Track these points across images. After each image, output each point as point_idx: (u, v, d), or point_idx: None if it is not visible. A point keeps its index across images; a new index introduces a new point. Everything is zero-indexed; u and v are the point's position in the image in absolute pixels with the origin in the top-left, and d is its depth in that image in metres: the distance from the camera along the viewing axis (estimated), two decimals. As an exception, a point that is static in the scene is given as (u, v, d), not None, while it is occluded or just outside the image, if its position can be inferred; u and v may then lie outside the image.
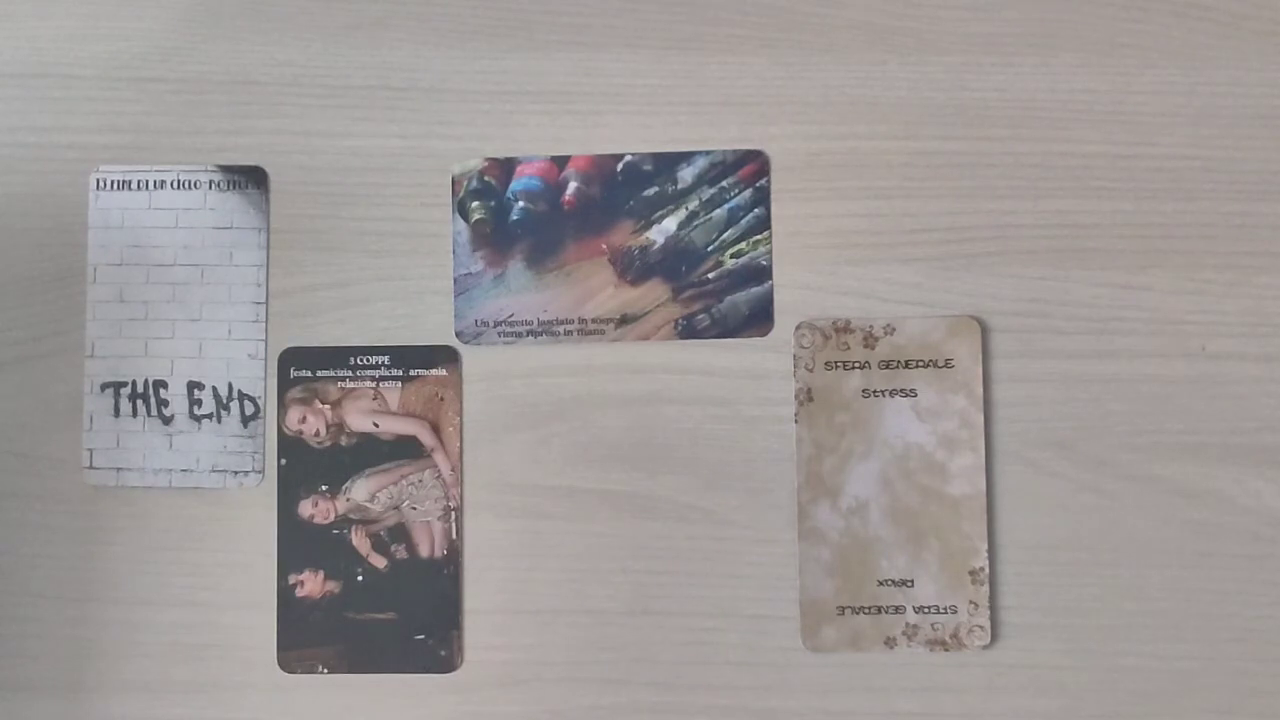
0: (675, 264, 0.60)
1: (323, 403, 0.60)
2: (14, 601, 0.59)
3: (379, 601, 0.59)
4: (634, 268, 0.60)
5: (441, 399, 0.60)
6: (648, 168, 0.60)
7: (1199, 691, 0.57)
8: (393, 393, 0.60)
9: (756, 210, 0.60)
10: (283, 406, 0.60)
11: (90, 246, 0.61)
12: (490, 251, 0.60)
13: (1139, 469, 0.58)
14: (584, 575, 0.59)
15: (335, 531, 0.59)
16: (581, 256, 0.60)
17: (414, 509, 0.59)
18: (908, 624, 0.58)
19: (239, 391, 0.60)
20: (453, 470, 0.59)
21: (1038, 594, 0.58)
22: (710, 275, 0.60)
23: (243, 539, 0.59)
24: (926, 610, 0.58)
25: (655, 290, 0.60)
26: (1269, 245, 0.59)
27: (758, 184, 0.60)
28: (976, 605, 0.58)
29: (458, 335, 0.60)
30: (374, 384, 0.60)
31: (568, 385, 0.60)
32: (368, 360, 0.60)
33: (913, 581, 0.58)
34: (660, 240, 0.60)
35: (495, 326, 0.60)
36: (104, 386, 0.60)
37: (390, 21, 0.61)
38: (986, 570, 0.58)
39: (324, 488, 0.60)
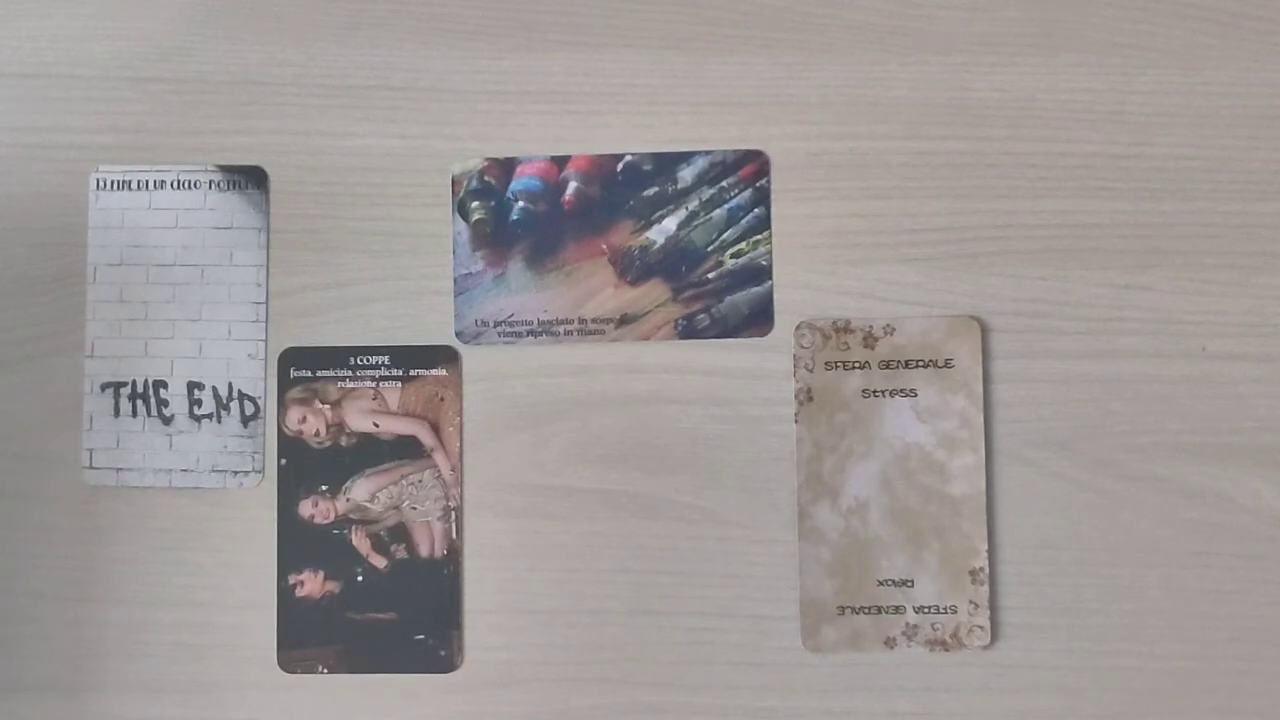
0: (675, 264, 0.60)
1: (323, 403, 0.60)
2: (14, 601, 0.59)
3: (379, 601, 0.59)
4: (634, 268, 0.60)
5: (441, 399, 0.60)
6: (648, 168, 0.60)
7: (1199, 691, 0.57)
8: (393, 393, 0.60)
9: (756, 210, 0.60)
10: (283, 406, 0.60)
11: (90, 246, 0.61)
12: (490, 251, 0.60)
13: (1139, 469, 0.58)
14: (584, 575, 0.59)
15: (335, 531, 0.59)
16: (581, 256, 0.60)
17: (414, 509, 0.59)
18: (908, 624, 0.58)
19: (239, 391, 0.60)
20: (453, 470, 0.59)
21: (1038, 594, 0.58)
22: (710, 275, 0.60)
23: (243, 539, 0.59)
24: (926, 610, 0.58)
25: (655, 290, 0.60)
26: (1269, 245, 0.59)
27: (758, 184, 0.60)
28: (976, 605, 0.58)
29: (458, 335, 0.60)
30: (374, 384, 0.60)
31: (568, 385, 0.60)
32: (368, 360, 0.60)
33: (913, 581, 0.58)
34: (660, 240, 0.60)
35: (495, 326, 0.60)
36: (104, 386, 0.60)
37: (390, 21, 0.61)
38: (986, 570, 0.58)
39: (324, 488, 0.60)
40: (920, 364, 0.59)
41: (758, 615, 0.58)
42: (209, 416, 0.60)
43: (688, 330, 0.60)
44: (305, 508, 0.59)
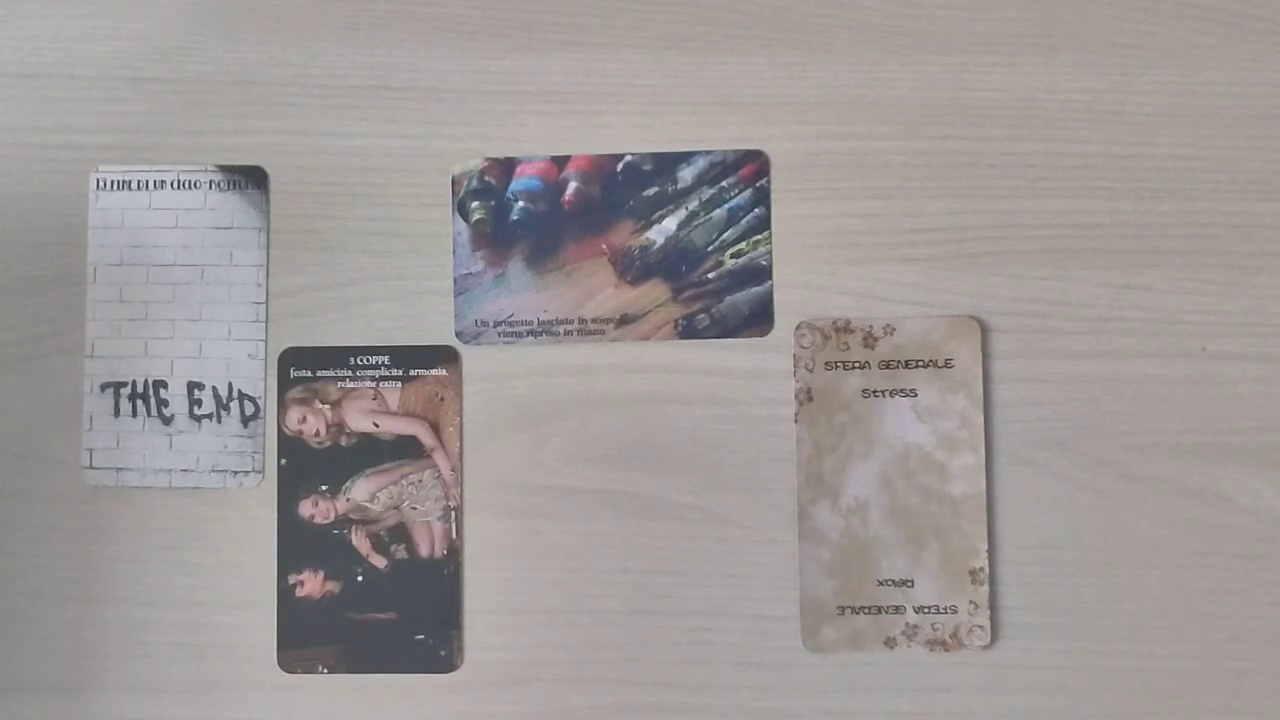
0: (675, 264, 0.60)
1: (323, 403, 0.60)
2: (14, 601, 0.59)
3: (379, 601, 0.59)
4: (634, 268, 0.60)
5: (441, 399, 0.60)
6: (648, 168, 0.60)
7: (1199, 691, 0.57)
8: (393, 393, 0.60)
9: (756, 210, 0.60)
10: (283, 406, 0.60)
11: (90, 246, 0.61)
12: (490, 251, 0.60)
13: (1139, 469, 0.58)
14: (584, 575, 0.59)
15: (335, 531, 0.59)
16: (581, 256, 0.60)
17: (414, 509, 0.59)
18: (908, 624, 0.58)
19: (239, 391, 0.60)
20: (453, 470, 0.59)
21: (1038, 594, 0.58)
22: (710, 275, 0.60)
23: (243, 539, 0.59)
24: (926, 610, 0.58)
25: (655, 290, 0.60)
26: (1269, 245, 0.59)
27: (758, 184, 0.60)
28: (976, 605, 0.58)
29: (458, 335, 0.60)
30: (374, 384, 0.60)
31: (568, 385, 0.60)
32: (368, 360, 0.60)
33: (913, 581, 0.58)
34: (660, 240, 0.60)
35: (495, 326, 0.60)
36: (104, 386, 0.60)
37: (390, 21, 0.61)
38: (986, 570, 0.58)
39: (324, 488, 0.60)
40: (920, 364, 0.59)
41: (758, 615, 0.58)
42: (209, 416, 0.60)
43: (688, 330, 0.60)
44: (305, 508, 0.59)
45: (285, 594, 0.59)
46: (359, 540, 0.59)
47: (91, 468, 0.60)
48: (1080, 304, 0.59)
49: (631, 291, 0.60)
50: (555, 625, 0.59)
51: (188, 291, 0.60)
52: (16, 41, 0.62)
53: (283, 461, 0.60)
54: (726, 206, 0.60)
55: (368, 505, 0.59)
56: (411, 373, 0.60)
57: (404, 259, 0.60)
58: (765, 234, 0.60)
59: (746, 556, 0.59)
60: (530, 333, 0.60)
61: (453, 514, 0.59)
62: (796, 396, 0.59)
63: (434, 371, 0.60)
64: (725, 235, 0.60)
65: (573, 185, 0.60)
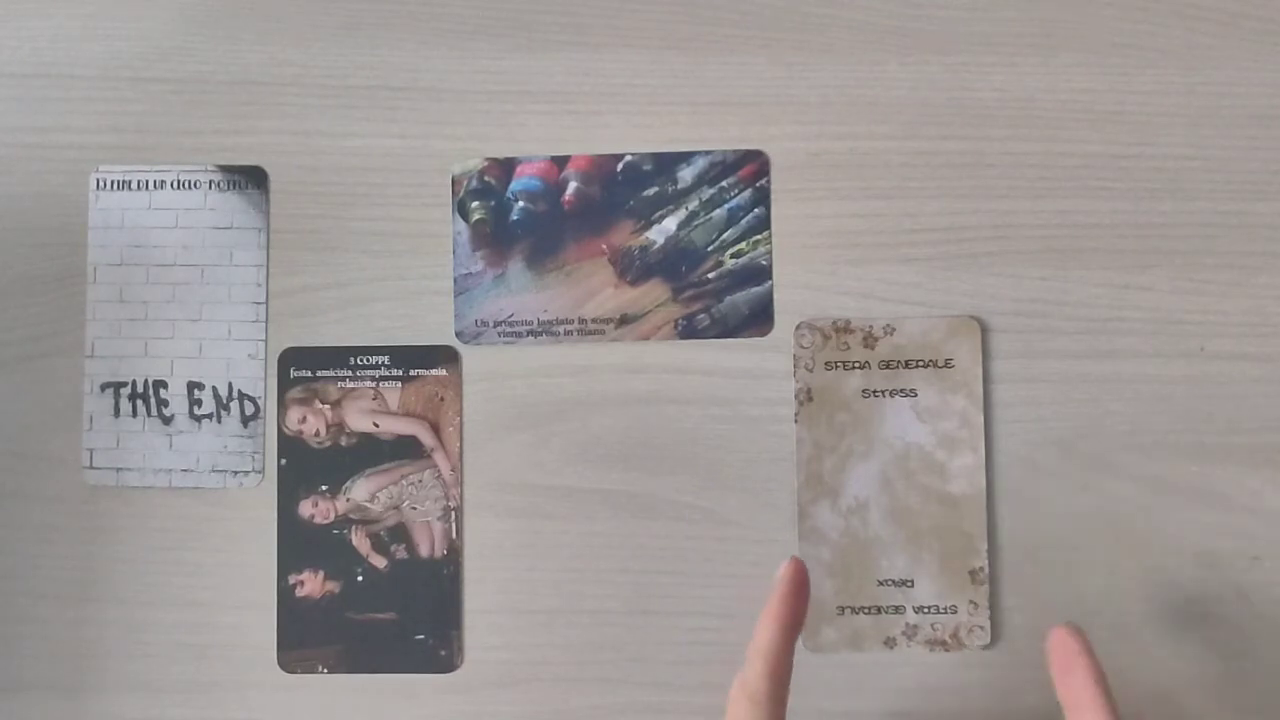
0: (675, 264, 0.60)
1: (323, 403, 0.60)
2: (14, 601, 0.59)
3: (379, 601, 0.59)
4: (634, 268, 0.60)
5: (441, 399, 0.60)
6: (648, 168, 0.60)
7: (1198, 691, 0.57)
8: (393, 393, 0.60)
9: (756, 210, 0.60)
10: (283, 406, 0.60)
11: (90, 246, 0.61)
12: (490, 251, 0.60)
13: (1139, 469, 0.58)
14: (584, 575, 0.59)
15: (335, 531, 0.59)
16: (581, 256, 0.60)
17: (414, 509, 0.59)
18: (908, 624, 0.58)
19: (239, 391, 0.60)
20: (453, 470, 0.59)
21: (1038, 594, 0.58)
22: (710, 275, 0.60)
23: (243, 539, 0.59)
24: (926, 610, 0.58)
25: (655, 290, 0.60)
26: (1269, 245, 0.59)
27: (758, 184, 0.60)
28: (976, 605, 0.58)
29: (458, 335, 0.60)
30: (374, 384, 0.60)
31: (568, 385, 0.60)
32: (368, 360, 0.60)
33: (913, 581, 0.58)
34: (660, 240, 0.60)
35: (495, 326, 0.60)
36: (104, 386, 0.60)
37: (390, 21, 0.61)
38: (986, 570, 0.58)
39: (324, 488, 0.60)
40: (920, 364, 0.59)
41: (758, 615, 0.58)
42: (209, 416, 0.60)
43: (688, 330, 0.60)
44: (305, 508, 0.60)
45: (285, 594, 0.59)
46: (359, 540, 0.59)
47: (91, 468, 0.60)
48: (1080, 304, 0.59)
49: (631, 291, 0.60)
50: (555, 625, 0.59)
51: (188, 291, 0.60)
52: (16, 41, 0.62)
53: (283, 461, 0.60)
54: (726, 206, 0.60)
55: (368, 505, 0.59)
56: (411, 373, 0.60)
57: (404, 259, 0.60)
58: (765, 234, 0.60)
59: (746, 556, 0.59)
60: (530, 333, 0.60)
61: (453, 514, 0.59)
62: (796, 396, 0.59)
63: (434, 371, 0.60)
64: (725, 235, 0.60)
65: (573, 185, 0.60)
